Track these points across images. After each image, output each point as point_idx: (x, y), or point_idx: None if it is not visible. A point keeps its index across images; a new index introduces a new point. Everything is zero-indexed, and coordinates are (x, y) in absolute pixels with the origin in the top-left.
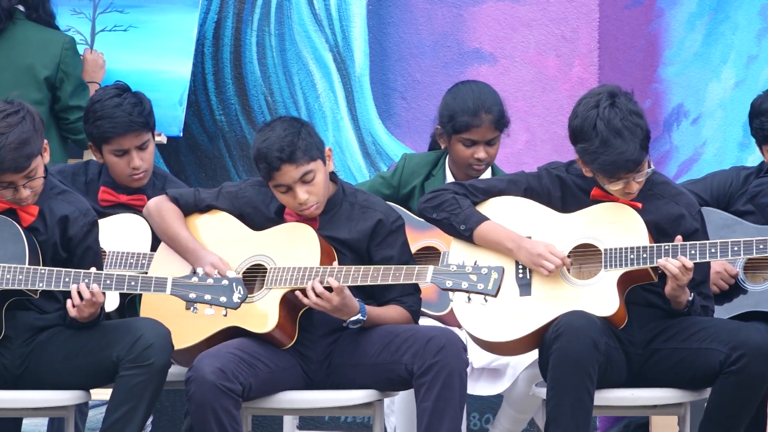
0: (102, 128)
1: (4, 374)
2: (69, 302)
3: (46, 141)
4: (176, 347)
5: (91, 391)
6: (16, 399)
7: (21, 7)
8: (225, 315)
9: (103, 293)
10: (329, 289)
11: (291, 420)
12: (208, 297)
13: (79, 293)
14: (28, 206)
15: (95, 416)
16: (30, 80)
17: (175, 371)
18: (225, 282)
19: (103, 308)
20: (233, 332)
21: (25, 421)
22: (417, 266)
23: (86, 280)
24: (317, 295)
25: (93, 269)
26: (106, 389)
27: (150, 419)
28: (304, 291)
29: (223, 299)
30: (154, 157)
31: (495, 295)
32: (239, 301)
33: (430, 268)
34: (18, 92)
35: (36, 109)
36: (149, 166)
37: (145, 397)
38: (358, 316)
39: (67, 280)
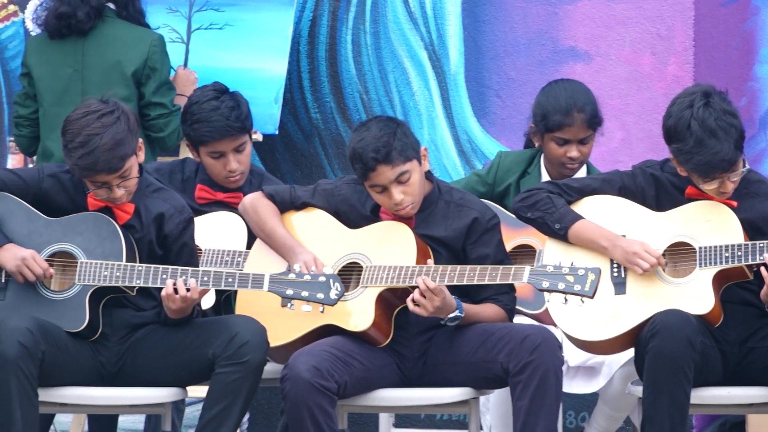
0: (199, 131)
1: (101, 371)
2: (162, 292)
3: (140, 140)
4: (272, 345)
5: (188, 388)
6: (114, 396)
7: (111, 5)
8: (322, 311)
9: (202, 292)
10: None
11: (387, 418)
12: (305, 293)
13: (175, 289)
14: (123, 204)
15: (192, 413)
16: (118, 77)
17: (271, 369)
18: (322, 279)
19: (198, 306)
20: (329, 330)
21: (121, 418)
22: (513, 266)
23: (183, 277)
24: (422, 295)
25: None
26: (202, 386)
27: (246, 417)
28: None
29: (320, 296)
30: (250, 158)
31: (592, 297)
32: (336, 297)
33: (527, 268)
34: (113, 91)
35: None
36: (246, 167)
37: (241, 395)
38: (456, 314)
39: (164, 277)
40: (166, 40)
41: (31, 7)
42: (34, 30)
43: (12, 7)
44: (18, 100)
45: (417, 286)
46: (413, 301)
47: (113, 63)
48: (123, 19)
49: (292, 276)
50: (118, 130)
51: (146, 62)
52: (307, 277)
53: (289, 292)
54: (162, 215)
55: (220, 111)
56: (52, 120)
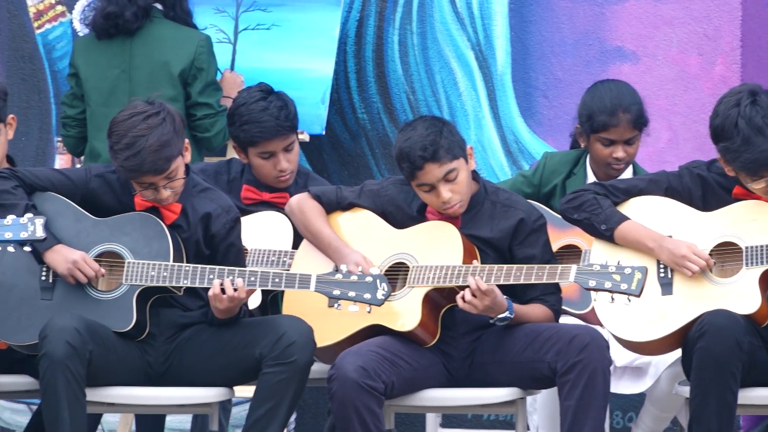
0: (249, 132)
1: (148, 371)
2: (209, 292)
3: (187, 141)
4: (318, 345)
5: (235, 388)
6: (161, 396)
7: (159, 6)
8: (369, 312)
9: (249, 292)
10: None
11: (434, 418)
12: (352, 294)
13: (222, 289)
14: (170, 204)
15: (239, 413)
16: (165, 77)
17: (318, 369)
18: (369, 279)
19: (245, 306)
20: (375, 330)
21: (168, 418)
22: (560, 265)
23: (230, 277)
24: (472, 295)
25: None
26: (249, 386)
27: (293, 417)
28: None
29: (367, 296)
30: (298, 158)
31: (639, 296)
32: (383, 297)
33: (573, 267)
34: (159, 93)
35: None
36: (295, 167)
37: (288, 395)
38: (506, 314)
39: (211, 277)
40: (213, 41)
41: (78, 8)
42: (81, 30)
43: (60, 8)
44: (65, 100)
45: (464, 286)
46: (463, 298)
47: (160, 63)
48: (170, 19)
49: (339, 276)
50: (163, 132)
51: (193, 62)
52: (354, 278)
53: (336, 292)
54: (209, 215)
55: (269, 111)
56: (99, 120)
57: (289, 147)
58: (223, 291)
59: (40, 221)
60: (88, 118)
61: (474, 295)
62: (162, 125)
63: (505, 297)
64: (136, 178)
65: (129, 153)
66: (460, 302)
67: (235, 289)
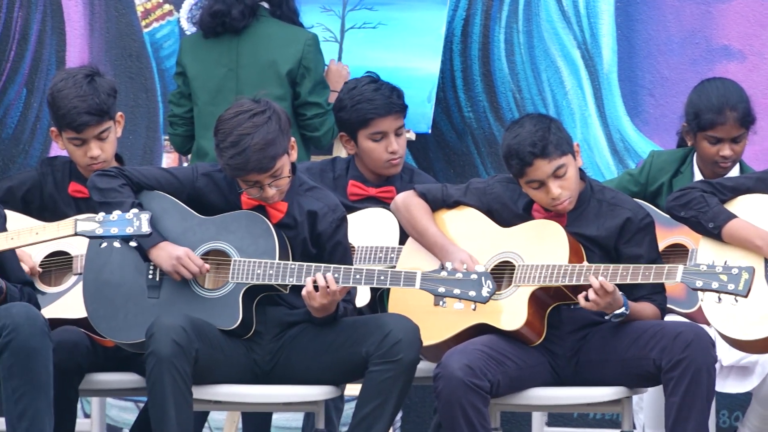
0: (362, 111)
1: (254, 369)
2: (303, 290)
3: (293, 139)
4: (424, 343)
5: (347, 386)
6: (268, 394)
7: (265, 5)
8: (474, 309)
9: (352, 289)
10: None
11: (540, 416)
12: (457, 291)
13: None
14: (277, 203)
15: (346, 411)
16: (273, 76)
17: (424, 367)
18: (474, 276)
19: (352, 304)
20: (481, 329)
21: (274, 416)
22: (667, 265)
23: (336, 275)
24: (596, 293)
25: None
26: (355, 384)
27: (399, 415)
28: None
29: (472, 293)
30: (405, 146)
31: (746, 296)
32: (488, 295)
33: (680, 267)
34: (266, 91)
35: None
36: (404, 151)
37: (394, 393)
38: (622, 310)
39: (319, 275)
40: (319, 39)
41: (185, 6)
42: (188, 29)
43: (167, 7)
44: (173, 99)
45: (570, 285)
46: (585, 297)
47: (268, 62)
48: (277, 18)
49: (444, 274)
50: (269, 130)
51: (300, 61)
52: (459, 275)
53: (441, 289)
54: (315, 213)
55: (381, 91)
56: (206, 119)
57: (400, 131)
58: (316, 288)
59: (146, 216)
60: (195, 117)
61: (597, 294)
62: (267, 123)
63: (621, 294)
64: (241, 176)
65: (234, 151)
66: (582, 301)
67: (328, 287)
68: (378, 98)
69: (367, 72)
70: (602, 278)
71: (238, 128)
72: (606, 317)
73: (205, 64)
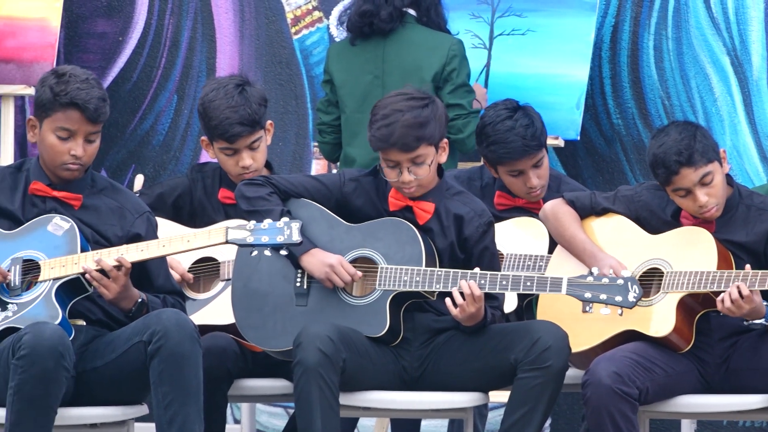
0: (497, 153)
1: (403, 376)
2: (448, 302)
3: (445, 140)
4: (573, 350)
5: (490, 393)
6: (416, 401)
7: (412, 11)
8: (620, 314)
9: (499, 295)
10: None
11: (688, 424)
12: (603, 296)
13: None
14: (424, 203)
15: (493, 418)
16: (418, 82)
17: (572, 374)
18: (620, 281)
19: (501, 310)
20: (629, 336)
21: (423, 423)
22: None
23: (482, 281)
24: (731, 301)
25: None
26: (503, 391)
27: (548, 422)
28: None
29: (618, 298)
30: (548, 170)
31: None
32: (634, 300)
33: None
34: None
35: None
36: (546, 180)
37: (543, 400)
38: (762, 321)
39: (463, 281)
40: (468, 46)
41: (335, 13)
42: (338, 36)
43: (317, 14)
44: (320, 107)
45: (719, 291)
46: (723, 302)
47: (413, 68)
48: (423, 24)
49: (590, 279)
50: (422, 113)
51: (445, 66)
52: (605, 280)
53: (587, 295)
54: (461, 218)
55: (516, 131)
56: (353, 126)
57: (538, 163)
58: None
59: (296, 225)
60: (342, 125)
61: (733, 300)
62: (423, 108)
63: (765, 303)
64: (383, 149)
65: (383, 123)
66: (719, 305)
67: (462, 294)
68: (512, 140)
69: (506, 99)
70: (741, 284)
71: (394, 104)
72: (745, 324)
73: (352, 72)
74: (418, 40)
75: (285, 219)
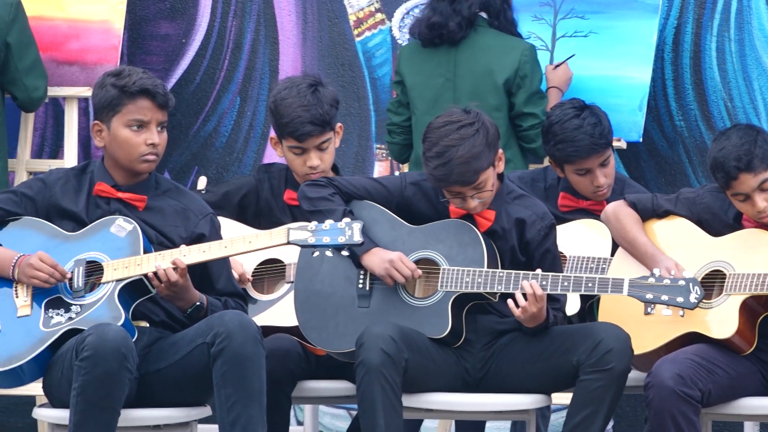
0: (564, 152)
1: (465, 378)
2: (510, 302)
3: (500, 151)
4: (635, 352)
5: (552, 395)
6: (479, 402)
7: (484, 15)
8: (682, 316)
9: (561, 297)
10: None
11: (752, 426)
12: (664, 297)
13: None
14: (484, 212)
15: (556, 420)
16: (489, 86)
17: (634, 376)
18: (681, 282)
19: (563, 312)
20: (692, 338)
21: (487, 424)
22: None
23: (544, 282)
24: None
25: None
26: (565, 393)
27: (610, 424)
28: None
29: (679, 299)
30: (614, 170)
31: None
32: (696, 301)
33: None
34: (478, 103)
35: (494, 115)
36: (612, 180)
37: (605, 402)
38: None
39: (524, 283)
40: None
41: (398, 16)
42: (400, 38)
43: (379, 16)
44: (391, 107)
45: None
46: None
47: (485, 72)
48: (495, 28)
49: (651, 280)
50: (474, 144)
51: (517, 71)
52: (666, 281)
53: (649, 296)
54: (523, 221)
55: (583, 129)
56: (424, 128)
57: (606, 161)
58: (524, 296)
59: (357, 225)
60: (413, 126)
61: None
62: (474, 137)
63: None
64: (443, 187)
65: (438, 162)
66: None
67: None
68: (579, 139)
69: (572, 98)
70: None
71: (445, 139)
72: None
73: (423, 74)
74: (489, 44)
75: (346, 219)
